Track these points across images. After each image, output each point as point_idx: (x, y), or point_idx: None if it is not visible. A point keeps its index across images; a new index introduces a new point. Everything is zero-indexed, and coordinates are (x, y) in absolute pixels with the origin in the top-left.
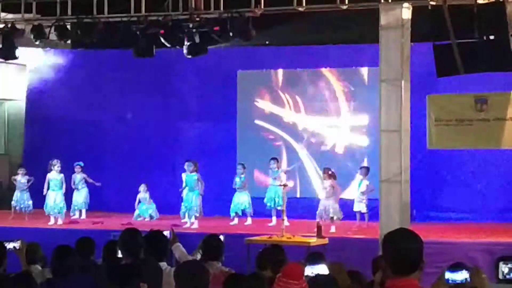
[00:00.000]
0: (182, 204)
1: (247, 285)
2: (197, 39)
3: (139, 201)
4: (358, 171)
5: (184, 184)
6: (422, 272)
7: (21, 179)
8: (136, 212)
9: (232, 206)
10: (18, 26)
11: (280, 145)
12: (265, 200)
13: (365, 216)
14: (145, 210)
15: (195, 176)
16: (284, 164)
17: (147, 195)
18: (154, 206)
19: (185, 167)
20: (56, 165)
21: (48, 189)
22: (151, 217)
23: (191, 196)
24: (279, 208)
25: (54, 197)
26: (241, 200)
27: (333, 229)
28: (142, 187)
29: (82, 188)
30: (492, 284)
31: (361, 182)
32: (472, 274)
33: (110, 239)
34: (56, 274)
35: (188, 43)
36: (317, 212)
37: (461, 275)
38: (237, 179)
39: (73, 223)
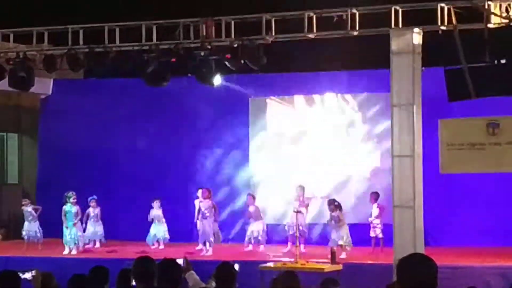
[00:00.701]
0: (199, 232)
1: None
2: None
3: (152, 220)
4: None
5: (197, 211)
6: None
7: (27, 209)
8: (150, 234)
9: (246, 234)
10: (30, 56)
11: (294, 171)
12: (286, 227)
13: (380, 241)
14: (158, 232)
15: (208, 203)
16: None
17: (160, 211)
18: (165, 226)
19: (198, 194)
20: (72, 197)
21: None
22: (164, 239)
23: (206, 224)
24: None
25: (70, 230)
26: (255, 228)
27: (343, 255)
28: (156, 203)
29: (96, 221)
30: None
31: (372, 207)
32: None
33: (124, 267)
34: None
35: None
36: (330, 242)
37: None
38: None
39: (87, 252)
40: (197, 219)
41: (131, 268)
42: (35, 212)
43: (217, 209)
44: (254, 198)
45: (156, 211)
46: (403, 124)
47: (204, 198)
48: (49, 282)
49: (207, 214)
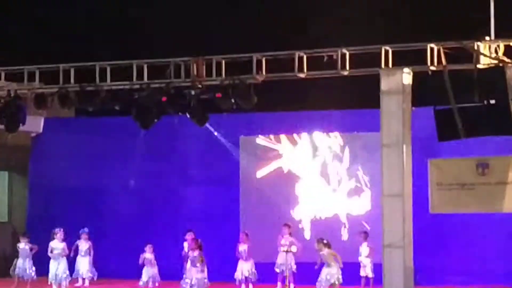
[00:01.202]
0: (185, 278)
1: None
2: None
3: (143, 263)
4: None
5: (184, 256)
6: None
7: (24, 246)
8: (142, 279)
9: (236, 273)
10: (21, 95)
11: (283, 210)
12: (275, 266)
13: (370, 280)
14: (149, 275)
15: (195, 253)
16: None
17: (152, 256)
18: (156, 269)
19: (187, 236)
20: (58, 234)
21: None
22: (153, 282)
23: (195, 271)
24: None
25: (56, 266)
26: (245, 267)
27: None
28: (148, 248)
29: (85, 256)
30: None
31: (362, 246)
32: None
33: None
34: None
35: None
36: (318, 280)
37: None
38: (240, 248)
39: None
40: (186, 264)
41: None
42: (31, 250)
43: (204, 260)
44: (247, 235)
45: (148, 255)
46: (393, 163)
47: (193, 249)
48: None
49: (196, 263)
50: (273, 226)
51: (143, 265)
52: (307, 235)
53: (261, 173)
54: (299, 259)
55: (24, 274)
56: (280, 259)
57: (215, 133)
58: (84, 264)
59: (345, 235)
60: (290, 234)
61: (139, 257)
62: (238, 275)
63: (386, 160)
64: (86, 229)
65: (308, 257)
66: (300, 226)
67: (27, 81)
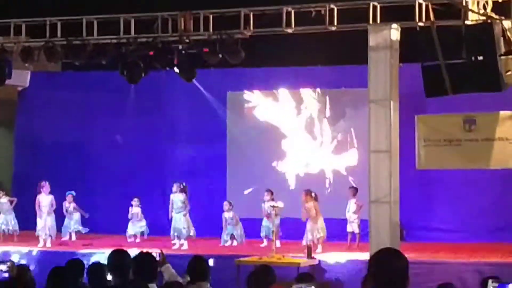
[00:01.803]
0: (171, 226)
1: None
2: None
3: (132, 216)
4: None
5: (171, 206)
6: None
7: (2, 201)
8: (129, 231)
9: (223, 235)
10: (7, 48)
11: (269, 166)
12: (261, 230)
13: (356, 236)
14: (136, 227)
15: (181, 197)
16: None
17: (139, 209)
18: (145, 222)
19: (173, 188)
20: (45, 187)
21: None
22: (142, 233)
23: (179, 218)
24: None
25: (44, 219)
26: (232, 230)
27: (319, 249)
28: (135, 201)
29: (74, 215)
30: None
31: (350, 202)
32: None
33: (98, 261)
34: None
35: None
36: (304, 237)
37: None
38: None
39: (63, 245)
40: (171, 213)
41: (102, 263)
42: (11, 203)
43: (188, 204)
44: (230, 204)
45: (135, 209)
46: (380, 119)
47: (177, 192)
48: (24, 274)
49: (180, 208)
50: (260, 181)
51: (130, 220)
52: (293, 188)
53: (248, 128)
54: (284, 215)
55: (8, 227)
56: (266, 222)
57: (202, 89)
58: (70, 222)
59: (331, 191)
60: (272, 199)
61: (128, 211)
62: (224, 236)
63: (374, 116)
64: (72, 192)
65: (292, 213)
66: (286, 181)
67: (13, 35)
